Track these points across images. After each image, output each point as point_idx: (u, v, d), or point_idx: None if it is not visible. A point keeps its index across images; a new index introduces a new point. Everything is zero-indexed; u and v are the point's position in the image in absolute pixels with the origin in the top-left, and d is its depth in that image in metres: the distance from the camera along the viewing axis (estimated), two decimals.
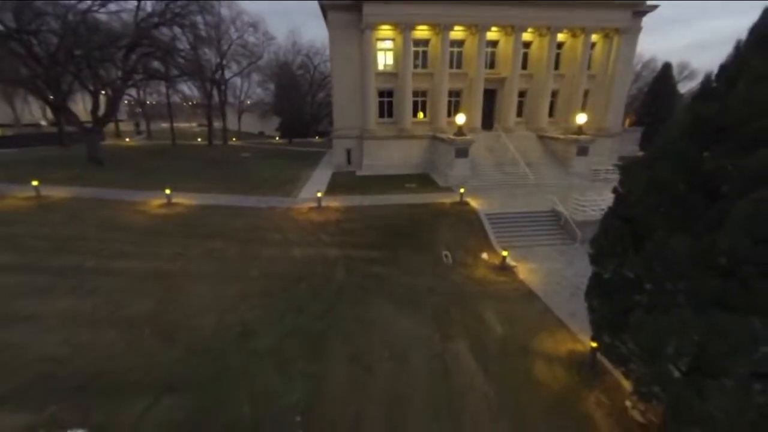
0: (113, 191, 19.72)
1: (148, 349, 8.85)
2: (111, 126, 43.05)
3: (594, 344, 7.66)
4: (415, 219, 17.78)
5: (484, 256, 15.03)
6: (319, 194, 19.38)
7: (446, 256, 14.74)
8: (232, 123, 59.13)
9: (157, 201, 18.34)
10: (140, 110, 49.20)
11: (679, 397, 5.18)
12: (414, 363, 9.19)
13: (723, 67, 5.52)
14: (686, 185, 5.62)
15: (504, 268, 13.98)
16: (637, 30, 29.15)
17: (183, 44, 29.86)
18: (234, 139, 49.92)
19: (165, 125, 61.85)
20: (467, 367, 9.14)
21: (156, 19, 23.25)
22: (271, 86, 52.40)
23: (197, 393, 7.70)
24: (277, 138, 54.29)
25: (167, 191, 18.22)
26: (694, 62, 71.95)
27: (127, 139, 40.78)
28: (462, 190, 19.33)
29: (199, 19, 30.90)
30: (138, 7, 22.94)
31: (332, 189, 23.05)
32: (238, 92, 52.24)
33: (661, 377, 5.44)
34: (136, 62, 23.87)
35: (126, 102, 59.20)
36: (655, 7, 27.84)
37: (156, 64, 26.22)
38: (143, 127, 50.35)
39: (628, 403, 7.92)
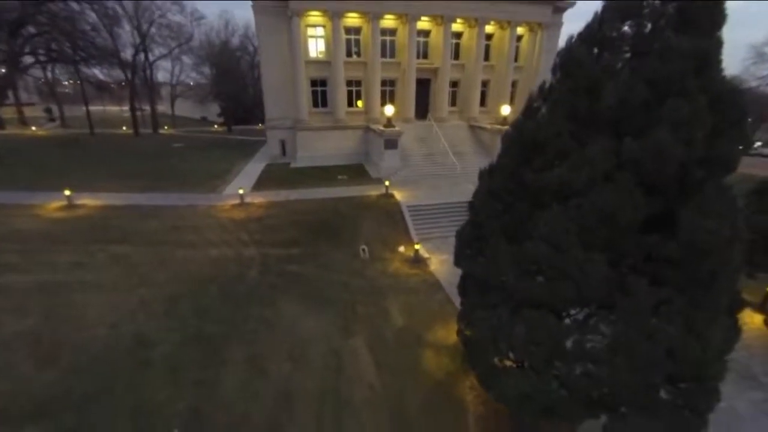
0: (1, 194, 17.80)
1: (19, 373, 8.36)
2: (12, 111, 38.26)
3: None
4: (339, 213, 17.96)
5: (401, 249, 15.62)
6: (241, 191, 18.86)
7: (363, 250, 15.13)
8: (177, 109, 55.29)
9: (56, 203, 16.89)
10: (50, 94, 43.96)
11: (499, 383, 5.91)
12: (310, 361, 9.53)
13: (541, 87, 6.10)
14: (513, 195, 6.23)
15: (417, 260, 14.65)
16: (559, 24, 30.75)
17: (94, 22, 27.05)
18: (167, 127, 46.55)
19: (91, 108, 55.88)
20: (361, 361, 9.64)
21: None
22: (206, 70, 49.10)
23: (71, 415, 7.47)
24: (216, 126, 51.44)
25: (67, 192, 16.78)
26: None
27: (34, 128, 36.32)
28: (387, 183, 19.74)
29: None
30: None
31: (261, 183, 22.52)
32: (168, 76, 48.55)
33: (490, 368, 6.14)
34: (24, 43, 21.06)
35: (40, 82, 52.68)
36: (573, 4, 29.46)
37: (54, 45, 23.38)
38: (59, 112, 45.05)
39: None
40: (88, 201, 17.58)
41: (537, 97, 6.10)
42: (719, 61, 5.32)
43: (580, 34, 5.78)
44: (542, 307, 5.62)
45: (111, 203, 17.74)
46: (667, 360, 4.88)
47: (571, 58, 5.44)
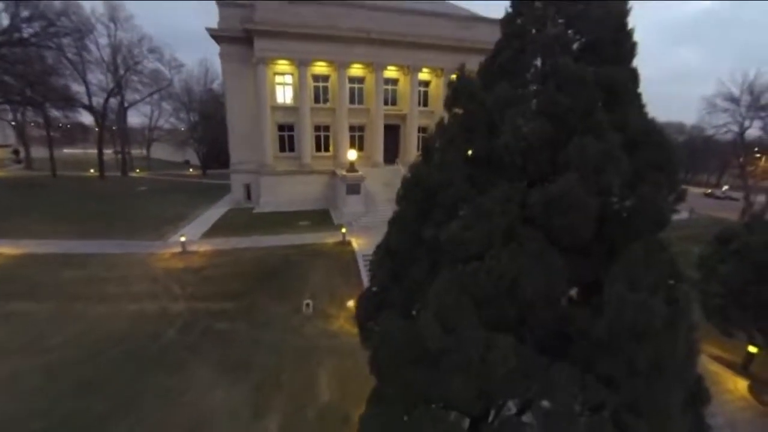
0: None
1: None
2: None
3: None
4: (289, 262, 16.51)
5: (350, 303, 14.02)
6: (182, 238, 17.40)
7: (308, 305, 13.51)
8: (157, 152, 55.45)
9: None
10: (14, 134, 42.89)
11: None
12: None
13: (439, 124, 5.14)
14: (412, 255, 5.03)
15: None
16: None
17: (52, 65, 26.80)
18: (138, 170, 45.53)
19: (69, 151, 54.88)
20: None
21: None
22: (183, 114, 49.21)
23: None
24: (191, 170, 50.70)
25: None
26: None
27: None
28: (344, 230, 18.56)
29: (89, 41, 28.19)
30: None
31: (215, 229, 21.12)
32: (146, 120, 48.54)
33: None
34: None
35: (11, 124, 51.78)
36: None
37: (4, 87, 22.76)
38: (35, 154, 43.39)
39: None
40: (6, 249, 15.83)
41: (434, 136, 5.10)
42: (638, 96, 4.48)
43: (480, 64, 4.94)
44: (450, 407, 4.21)
45: (32, 251, 16.02)
46: None
47: (462, 89, 4.52)
